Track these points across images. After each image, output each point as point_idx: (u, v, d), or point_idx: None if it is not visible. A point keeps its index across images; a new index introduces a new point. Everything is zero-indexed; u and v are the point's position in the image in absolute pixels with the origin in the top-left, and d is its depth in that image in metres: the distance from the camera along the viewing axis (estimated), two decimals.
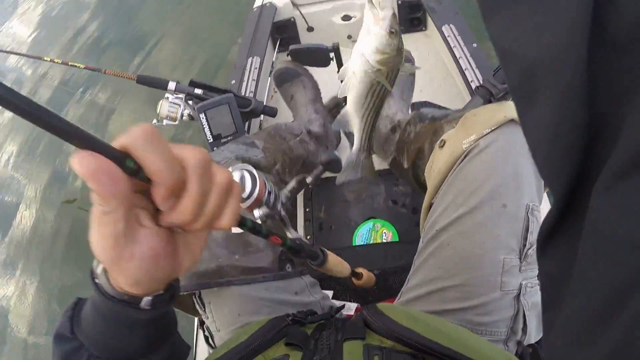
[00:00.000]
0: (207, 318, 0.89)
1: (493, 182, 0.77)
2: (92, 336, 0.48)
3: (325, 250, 0.81)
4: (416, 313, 0.62)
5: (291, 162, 1.17)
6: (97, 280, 0.43)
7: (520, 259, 0.76)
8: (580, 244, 0.26)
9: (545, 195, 0.95)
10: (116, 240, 0.36)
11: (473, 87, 1.43)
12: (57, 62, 1.23)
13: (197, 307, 0.90)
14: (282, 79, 1.46)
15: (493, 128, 0.80)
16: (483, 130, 0.80)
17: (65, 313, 0.50)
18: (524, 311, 0.75)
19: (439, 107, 1.55)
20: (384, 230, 1.40)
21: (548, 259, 0.31)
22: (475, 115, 0.85)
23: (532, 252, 0.76)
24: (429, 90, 1.73)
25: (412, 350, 0.51)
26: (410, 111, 1.32)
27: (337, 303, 1.03)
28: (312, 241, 1.52)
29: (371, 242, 1.39)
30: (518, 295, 0.75)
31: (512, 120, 0.79)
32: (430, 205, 0.91)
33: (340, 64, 1.44)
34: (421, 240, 0.89)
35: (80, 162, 0.32)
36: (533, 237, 0.76)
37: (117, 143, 0.34)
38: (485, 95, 1.16)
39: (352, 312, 1.05)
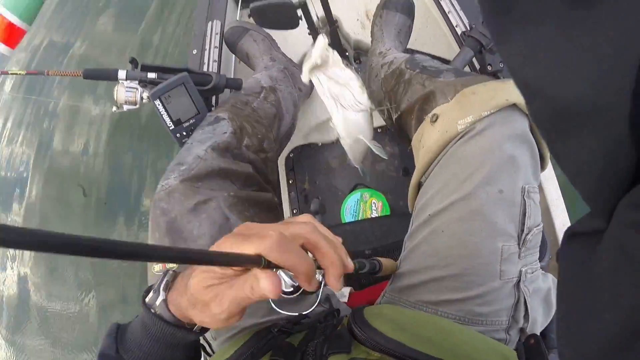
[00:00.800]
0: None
1: (489, 167, 0.73)
2: (138, 355, 0.54)
3: (378, 258, 0.75)
4: (405, 319, 0.61)
5: (261, 125, 1.09)
6: (155, 310, 0.52)
7: (519, 245, 0.73)
8: (601, 255, 0.26)
9: (550, 165, 0.86)
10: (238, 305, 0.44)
11: (459, 32, 1.29)
12: None
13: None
14: (232, 42, 1.40)
15: (492, 111, 0.75)
16: (481, 113, 0.75)
17: (108, 336, 0.56)
18: (525, 298, 0.72)
19: (432, 56, 1.41)
20: (373, 200, 1.30)
21: (569, 263, 0.30)
22: (474, 93, 0.79)
23: (531, 236, 0.73)
24: (412, 35, 1.58)
25: None
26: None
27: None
28: (298, 214, 1.43)
29: (360, 215, 1.30)
30: (518, 282, 0.72)
31: (513, 105, 0.74)
32: (418, 183, 0.88)
33: (311, 23, 1.29)
34: (411, 221, 0.86)
35: (272, 286, 0.40)
36: (531, 221, 0.73)
37: (251, 249, 0.40)
38: (474, 46, 1.03)
39: (345, 299, 0.98)
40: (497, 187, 0.72)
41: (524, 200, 0.73)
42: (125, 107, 1.14)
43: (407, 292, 0.77)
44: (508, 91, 0.75)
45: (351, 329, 0.58)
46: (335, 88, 0.81)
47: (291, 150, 1.53)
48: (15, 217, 2.57)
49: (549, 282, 0.79)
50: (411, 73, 0.99)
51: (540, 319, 0.75)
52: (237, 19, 1.66)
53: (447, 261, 0.73)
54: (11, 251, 2.45)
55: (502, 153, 0.73)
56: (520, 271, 0.72)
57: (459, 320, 0.70)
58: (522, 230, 0.73)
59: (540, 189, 1.06)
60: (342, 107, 0.83)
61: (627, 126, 0.22)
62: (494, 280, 0.71)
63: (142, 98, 1.13)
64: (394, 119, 1.03)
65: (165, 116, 1.05)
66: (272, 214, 0.97)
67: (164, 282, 0.53)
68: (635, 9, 0.19)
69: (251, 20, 1.25)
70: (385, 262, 0.76)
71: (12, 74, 1.10)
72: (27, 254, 2.42)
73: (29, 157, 2.71)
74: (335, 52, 0.80)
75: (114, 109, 1.15)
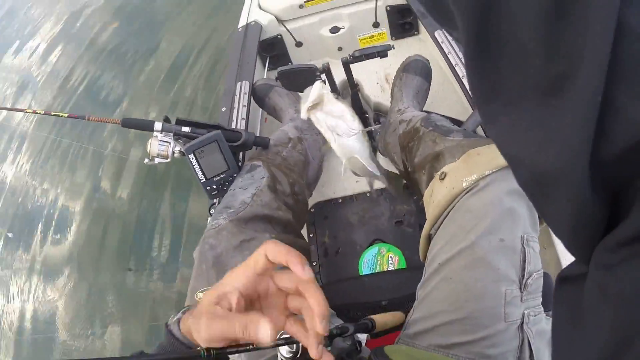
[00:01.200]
0: None
1: (490, 218, 0.81)
2: None
3: (371, 317, 0.81)
4: (420, 357, 0.65)
5: (293, 171, 1.21)
6: (169, 328, 0.57)
7: (520, 289, 0.79)
8: (586, 294, 0.30)
9: None
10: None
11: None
12: (40, 113, 1.19)
13: None
14: (259, 97, 1.54)
15: (494, 170, 0.84)
16: (484, 171, 0.85)
17: (129, 357, 0.57)
18: (528, 340, 0.76)
19: (447, 117, 1.49)
20: (390, 255, 1.34)
21: (560, 303, 0.35)
22: (478, 154, 0.89)
23: (532, 281, 0.79)
24: (429, 97, 1.67)
25: None
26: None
27: None
28: (317, 267, 1.47)
29: (377, 268, 1.34)
30: (521, 324, 0.77)
31: None
32: (428, 236, 0.96)
33: (333, 86, 1.38)
34: (424, 271, 0.91)
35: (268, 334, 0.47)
36: (531, 266, 0.80)
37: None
38: None
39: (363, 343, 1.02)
40: (499, 236, 0.80)
41: (524, 247, 0.80)
42: (157, 160, 1.21)
43: (419, 337, 0.81)
44: None
45: None
46: (331, 121, 0.89)
47: (312, 205, 1.59)
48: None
49: None
50: (424, 130, 1.10)
51: None
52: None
53: (456, 306, 0.79)
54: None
55: (503, 206, 0.81)
56: (523, 314, 0.77)
57: None
58: (523, 276, 0.79)
59: (551, 243, 1.10)
60: (338, 136, 0.91)
61: (589, 190, 0.27)
62: (499, 323, 0.75)
63: (174, 152, 1.21)
64: (408, 172, 1.13)
65: (197, 170, 1.12)
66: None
67: (186, 307, 0.59)
68: (590, 99, 0.25)
69: (278, 83, 1.35)
70: (386, 316, 0.84)
71: (54, 115, 1.18)
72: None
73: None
74: (329, 91, 0.89)
75: (146, 160, 1.22)
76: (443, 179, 0.93)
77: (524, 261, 0.79)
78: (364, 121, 1.61)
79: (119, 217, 2.59)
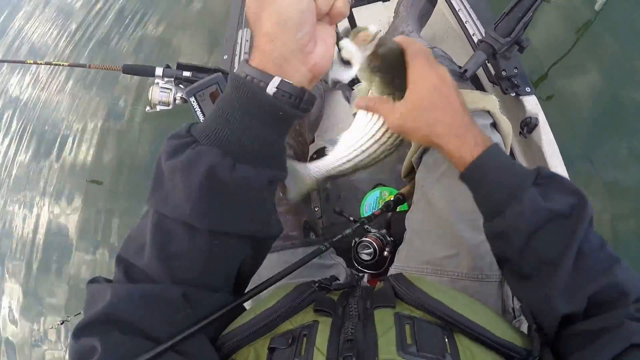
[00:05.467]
0: None
1: None
2: (209, 130, 0.50)
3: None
4: (442, 286, 0.63)
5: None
6: (235, 71, 0.50)
7: None
8: None
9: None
10: None
11: (475, 40, 1.36)
12: (41, 63, 1.21)
13: None
14: None
15: (472, 111, 0.86)
16: None
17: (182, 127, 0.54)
18: None
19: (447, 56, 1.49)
20: (392, 198, 1.36)
21: None
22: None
23: None
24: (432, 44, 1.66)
25: (441, 322, 0.52)
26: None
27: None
28: (320, 213, 1.51)
29: None
30: None
31: (487, 112, 0.87)
32: (411, 162, 0.99)
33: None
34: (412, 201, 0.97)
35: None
36: None
37: None
38: (487, 49, 1.09)
39: (366, 282, 1.08)
40: None
41: None
42: (159, 108, 1.23)
43: (411, 258, 0.86)
44: (485, 101, 0.87)
45: (394, 287, 0.59)
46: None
47: (314, 151, 1.61)
48: None
49: None
50: None
51: None
52: None
53: (439, 223, 0.84)
54: None
55: None
56: None
57: (461, 277, 0.78)
58: None
59: None
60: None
61: None
62: (480, 234, 0.78)
63: (175, 99, 1.23)
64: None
65: (199, 113, 1.14)
66: None
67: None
68: None
69: None
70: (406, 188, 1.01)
71: (55, 64, 1.21)
72: None
73: None
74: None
75: (147, 108, 1.24)
76: None
77: None
78: None
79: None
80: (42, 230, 2.74)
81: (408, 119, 0.64)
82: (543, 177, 0.58)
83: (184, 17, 3.12)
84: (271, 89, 0.49)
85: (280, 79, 0.49)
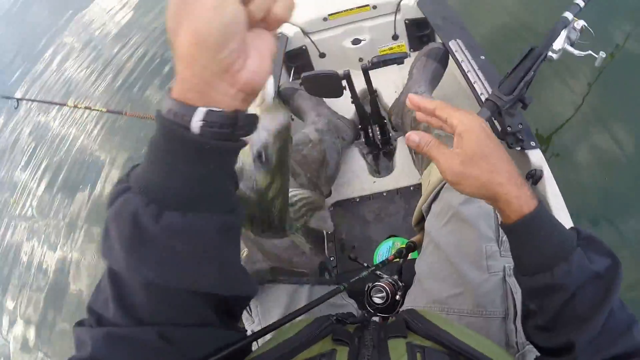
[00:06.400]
0: (254, 322, 0.98)
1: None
2: (138, 175, 0.46)
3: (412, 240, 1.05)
4: (450, 321, 0.66)
5: (311, 168, 1.35)
6: (163, 110, 0.43)
7: (498, 245, 0.91)
8: None
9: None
10: None
11: (483, 99, 1.45)
12: (80, 107, 1.30)
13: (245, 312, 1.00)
14: (284, 99, 1.70)
15: None
16: None
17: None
18: (511, 289, 0.86)
19: None
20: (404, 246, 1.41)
21: None
22: None
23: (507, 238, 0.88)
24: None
25: (449, 352, 0.55)
26: None
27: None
28: (335, 262, 1.55)
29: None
30: (504, 276, 0.87)
31: None
32: (421, 210, 1.10)
33: (353, 92, 1.47)
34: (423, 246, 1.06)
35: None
36: None
37: None
38: (492, 107, 1.17)
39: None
40: (477, 204, 0.94)
41: (496, 213, 0.92)
42: None
43: (420, 299, 0.92)
44: None
45: (406, 320, 0.62)
46: None
47: (331, 204, 1.68)
48: None
49: None
50: None
51: None
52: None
53: (446, 265, 0.90)
54: None
55: None
56: (504, 267, 0.88)
57: (465, 314, 0.83)
58: (499, 234, 0.91)
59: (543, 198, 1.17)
60: None
61: None
62: (483, 273, 0.86)
63: None
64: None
65: None
66: None
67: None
68: None
69: (301, 87, 1.46)
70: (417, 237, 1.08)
71: (94, 110, 1.29)
72: None
73: None
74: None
75: None
76: None
77: (499, 222, 0.89)
78: (383, 126, 1.71)
79: None
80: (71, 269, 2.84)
81: (468, 166, 0.60)
82: (583, 237, 0.58)
83: None
84: (196, 122, 0.41)
85: (205, 109, 0.41)
